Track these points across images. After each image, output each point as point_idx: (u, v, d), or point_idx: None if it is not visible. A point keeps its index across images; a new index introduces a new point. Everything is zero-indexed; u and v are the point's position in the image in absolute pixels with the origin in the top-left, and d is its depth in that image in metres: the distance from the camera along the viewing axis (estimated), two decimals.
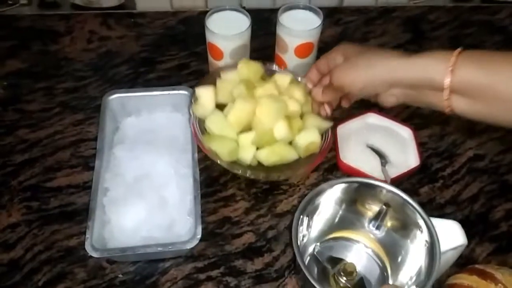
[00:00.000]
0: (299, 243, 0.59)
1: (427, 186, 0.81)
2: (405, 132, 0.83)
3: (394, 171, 0.77)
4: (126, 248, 0.64)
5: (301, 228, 0.63)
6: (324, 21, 0.82)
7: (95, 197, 0.68)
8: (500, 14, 1.11)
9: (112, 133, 0.80)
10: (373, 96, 0.65)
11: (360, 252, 0.70)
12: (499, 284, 0.59)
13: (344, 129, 0.83)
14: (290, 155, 0.73)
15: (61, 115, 0.88)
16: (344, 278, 0.63)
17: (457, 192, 0.80)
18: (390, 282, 0.66)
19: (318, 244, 0.70)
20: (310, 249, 0.69)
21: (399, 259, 0.66)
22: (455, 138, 0.87)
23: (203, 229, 0.67)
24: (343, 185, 0.65)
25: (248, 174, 0.71)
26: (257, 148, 0.72)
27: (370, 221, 0.68)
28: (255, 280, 0.70)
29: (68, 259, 0.71)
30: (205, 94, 0.74)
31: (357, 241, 0.70)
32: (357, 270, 0.64)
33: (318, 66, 0.70)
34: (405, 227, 0.65)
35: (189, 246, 0.64)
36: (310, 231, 0.68)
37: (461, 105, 0.58)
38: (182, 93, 0.82)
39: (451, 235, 0.60)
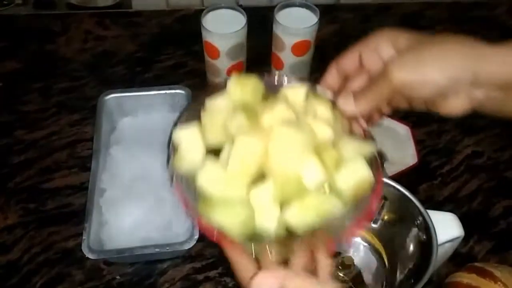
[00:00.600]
0: None
1: (426, 184, 0.80)
2: (403, 130, 0.82)
3: (392, 169, 0.77)
4: (123, 249, 0.64)
5: None
6: (320, 18, 0.82)
7: (91, 198, 0.68)
8: (498, 10, 1.11)
9: (109, 134, 0.80)
10: (435, 103, 0.48)
11: (357, 245, 0.70)
12: (498, 282, 0.59)
13: None
14: (332, 207, 0.47)
15: (57, 115, 0.88)
16: (342, 272, 0.63)
17: (456, 190, 0.80)
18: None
19: None
20: None
21: (397, 252, 0.66)
22: (453, 135, 0.87)
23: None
24: None
25: (279, 252, 0.48)
26: (281, 207, 0.47)
27: None
28: None
29: (65, 260, 0.71)
30: (188, 138, 0.50)
31: None
32: (354, 263, 0.64)
33: (340, 65, 0.52)
34: (402, 220, 0.65)
35: (187, 246, 0.64)
36: None
37: None
38: (178, 92, 0.81)
39: (448, 227, 0.60)
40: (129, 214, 0.69)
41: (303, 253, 0.46)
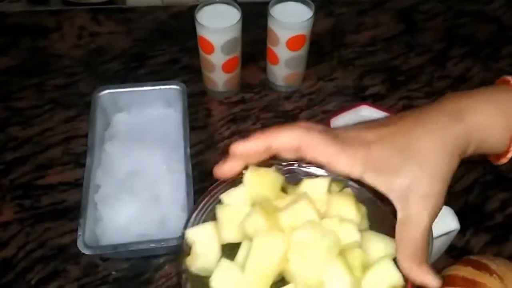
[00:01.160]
0: None
1: None
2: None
3: None
4: (119, 245, 0.64)
5: None
6: (316, 13, 0.82)
7: (86, 194, 0.68)
8: (493, 4, 1.11)
9: (103, 130, 0.79)
10: None
11: None
12: (494, 275, 0.59)
13: (337, 122, 0.82)
14: None
15: (51, 112, 0.87)
16: None
17: (452, 183, 0.80)
18: None
19: None
20: None
21: None
22: None
23: None
24: None
25: None
26: None
27: None
28: None
29: (61, 257, 0.70)
30: (203, 237, 0.48)
31: None
32: None
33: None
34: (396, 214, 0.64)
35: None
36: None
37: None
38: (173, 88, 0.81)
39: (444, 220, 0.60)
40: (124, 210, 0.69)
41: None
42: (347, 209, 0.46)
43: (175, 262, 0.59)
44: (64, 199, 0.76)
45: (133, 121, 0.81)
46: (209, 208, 0.50)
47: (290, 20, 0.80)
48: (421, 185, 0.41)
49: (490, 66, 0.98)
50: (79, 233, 0.63)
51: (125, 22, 1.04)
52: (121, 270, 0.69)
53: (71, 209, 0.75)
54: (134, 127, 0.80)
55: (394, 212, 0.44)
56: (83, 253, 0.62)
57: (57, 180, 0.78)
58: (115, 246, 0.64)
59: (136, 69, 0.95)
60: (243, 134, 0.85)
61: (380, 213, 0.49)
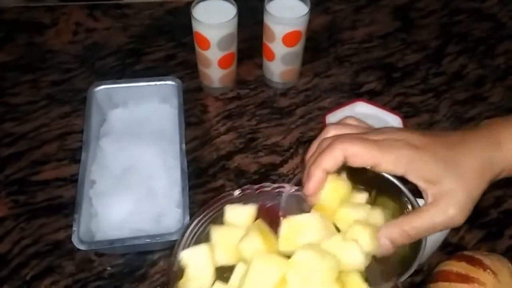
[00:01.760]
0: None
1: None
2: (394, 121, 0.82)
3: None
4: (114, 240, 0.64)
5: None
6: (312, 9, 0.82)
7: (81, 190, 0.67)
8: (489, 1, 1.11)
9: (99, 125, 0.79)
10: None
11: None
12: (488, 270, 0.59)
13: (333, 118, 0.82)
14: None
15: (47, 108, 0.87)
16: None
17: None
18: None
19: None
20: None
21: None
22: (444, 126, 0.87)
23: None
24: None
25: None
26: None
27: None
28: None
29: (56, 252, 0.70)
30: (198, 259, 0.48)
31: None
32: None
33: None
34: (389, 208, 0.64)
35: (177, 237, 0.64)
36: None
37: None
38: (169, 83, 0.81)
39: None
40: (119, 206, 0.69)
41: None
42: (360, 232, 0.46)
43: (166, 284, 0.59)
44: (59, 194, 0.76)
45: (128, 117, 0.81)
46: (201, 228, 0.51)
47: (286, 16, 0.80)
48: (456, 194, 0.45)
49: (486, 63, 0.98)
50: (74, 228, 0.63)
51: (121, 18, 1.03)
52: (116, 266, 0.69)
53: (66, 204, 0.74)
54: (130, 123, 0.80)
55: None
56: (78, 249, 0.62)
57: (52, 176, 0.78)
58: (110, 242, 0.64)
59: (132, 65, 0.95)
60: (240, 131, 0.85)
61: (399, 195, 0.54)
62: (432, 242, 0.63)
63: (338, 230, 0.49)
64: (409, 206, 0.61)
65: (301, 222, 0.47)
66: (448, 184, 0.45)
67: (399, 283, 0.47)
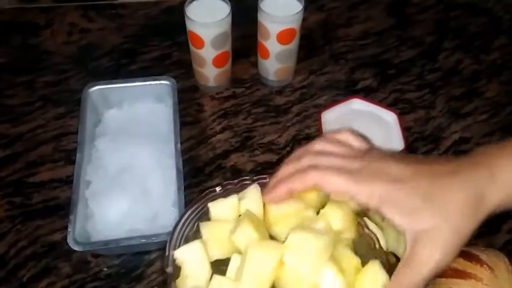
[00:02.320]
0: None
1: None
2: (390, 117, 0.82)
3: None
4: (109, 241, 0.63)
5: None
6: (307, 7, 0.81)
7: (77, 191, 0.67)
8: None
9: (94, 126, 0.79)
10: None
11: None
12: (484, 265, 0.59)
13: (328, 115, 0.82)
14: None
15: (42, 109, 0.87)
16: None
17: None
18: None
19: None
20: None
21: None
22: (440, 122, 0.87)
23: None
24: None
25: None
26: None
27: None
28: None
29: (52, 254, 0.70)
30: (193, 256, 0.49)
31: None
32: None
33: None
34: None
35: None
36: None
37: None
38: (164, 83, 0.81)
39: None
40: (115, 206, 0.69)
41: None
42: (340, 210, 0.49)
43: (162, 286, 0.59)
44: (55, 196, 0.76)
45: (123, 117, 0.81)
46: (188, 227, 0.52)
47: (280, 13, 0.79)
48: (441, 235, 0.41)
49: (482, 58, 0.98)
50: (69, 229, 0.63)
51: (115, 18, 1.03)
52: (113, 266, 0.69)
53: (62, 206, 0.74)
54: (125, 123, 0.80)
55: None
56: (74, 250, 0.62)
57: (48, 177, 0.78)
58: (106, 242, 0.63)
59: (127, 65, 0.94)
60: (236, 130, 0.85)
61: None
62: None
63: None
64: None
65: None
66: (428, 221, 0.41)
67: (389, 257, 0.48)
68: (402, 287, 0.42)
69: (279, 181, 0.49)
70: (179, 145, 0.72)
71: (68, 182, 0.76)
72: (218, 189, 0.54)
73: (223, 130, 0.85)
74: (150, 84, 0.81)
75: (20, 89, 0.90)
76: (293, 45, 0.85)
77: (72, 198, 0.67)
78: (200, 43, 0.80)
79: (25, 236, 0.72)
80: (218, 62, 0.84)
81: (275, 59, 0.86)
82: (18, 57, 0.95)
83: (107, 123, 0.80)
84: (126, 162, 0.73)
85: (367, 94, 0.91)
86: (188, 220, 0.53)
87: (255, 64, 0.93)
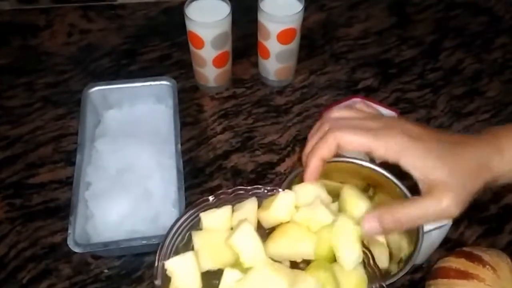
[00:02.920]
0: None
1: None
2: (391, 116, 0.82)
3: None
4: (110, 243, 0.63)
5: None
6: (307, 6, 0.81)
7: (77, 192, 0.67)
8: None
9: (94, 127, 0.79)
10: None
11: None
12: (487, 266, 0.59)
13: None
14: None
15: (42, 110, 0.87)
16: None
17: None
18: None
19: None
20: None
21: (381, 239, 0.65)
22: (442, 121, 0.87)
23: None
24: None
25: None
26: None
27: None
28: None
29: (52, 255, 0.70)
30: (184, 268, 0.47)
31: None
32: None
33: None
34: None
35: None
36: None
37: None
38: (164, 83, 0.80)
39: None
40: (115, 207, 0.69)
41: None
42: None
43: None
44: (55, 197, 0.76)
45: (123, 118, 0.81)
46: (179, 238, 0.51)
47: (281, 13, 0.79)
48: (450, 187, 0.44)
49: (483, 57, 0.98)
50: (69, 231, 0.63)
51: (115, 18, 1.03)
52: (113, 268, 0.69)
53: (62, 207, 0.74)
54: (125, 123, 0.80)
55: None
56: (75, 252, 0.62)
57: (48, 179, 0.78)
58: (106, 244, 0.63)
59: (127, 65, 0.94)
60: (236, 130, 0.84)
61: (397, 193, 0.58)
62: (430, 242, 0.62)
63: None
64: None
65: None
66: (441, 176, 0.45)
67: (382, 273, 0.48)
68: (405, 214, 0.45)
69: (308, 155, 0.50)
70: (179, 145, 0.72)
71: (68, 183, 0.76)
72: (211, 198, 0.53)
73: (223, 130, 0.85)
74: (150, 84, 0.81)
75: (20, 90, 0.90)
76: (294, 45, 0.84)
77: (72, 200, 0.66)
78: (200, 43, 0.80)
79: (25, 237, 0.72)
80: (218, 62, 0.84)
81: (276, 59, 0.86)
82: (18, 58, 0.95)
83: (107, 124, 0.80)
84: (126, 163, 0.73)
85: (368, 93, 0.90)
86: (179, 230, 0.52)
87: (256, 64, 0.92)
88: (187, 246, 0.51)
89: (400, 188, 0.61)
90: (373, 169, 0.63)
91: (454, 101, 0.90)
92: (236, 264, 0.47)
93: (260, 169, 0.80)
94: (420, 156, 0.45)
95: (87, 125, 0.75)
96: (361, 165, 0.63)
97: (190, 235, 0.51)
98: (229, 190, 0.53)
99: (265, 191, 0.53)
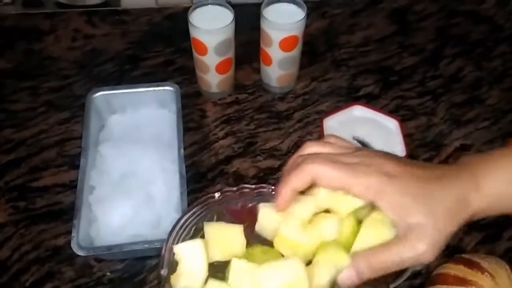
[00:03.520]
0: None
1: None
2: (392, 124, 0.82)
3: None
4: (113, 246, 0.64)
5: None
6: (309, 14, 0.82)
7: (80, 196, 0.68)
8: (486, 3, 1.11)
9: (98, 131, 0.79)
10: None
11: None
12: (486, 273, 0.59)
13: (331, 121, 0.83)
14: None
15: (46, 114, 0.87)
16: None
17: None
18: None
19: None
20: None
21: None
22: (442, 129, 0.88)
23: None
24: None
25: None
26: None
27: None
28: None
29: (55, 258, 0.71)
30: (192, 254, 0.48)
31: None
32: None
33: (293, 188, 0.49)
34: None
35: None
36: None
37: None
38: (167, 89, 0.81)
39: None
40: (118, 211, 0.69)
41: None
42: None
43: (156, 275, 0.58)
44: (58, 200, 0.76)
45: (127, 123, 0.81)
46: (184, 232, 0.52)
47: (283, 21, 0.80)
48: (427, 231, 0.43)
49: (483, 65, 0.99)
50: (73, 234, 0.64)
51: (119, 24, 1.04)
52: (116, 271, 0.70)
53: (65, 210, 0.75)
54: (128, 128, 0.80)
55: None
56: (78, 255, 0.62)
57: (51, 182, 0.78)
58: (109, 247, 0.64)
59: (131, 70, 0.95)
60: (238, 135, 0.85)
61: None
62: None
63: None
64: None
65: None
66: (417, 219, 0.43)
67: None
68: (380, 261, 0.44)
69: (281, 184, 0.49)
70: (182, 150, 0.73)
71: (72, 187, 0.77)
72: (217, 195, 0.54)
73: (226, 135, 0.85)
74: (154, 90, 0.81)
75: (24, 94, 0.90)
76: (296, 52, 0.85)
77: (76, 203, 0.67)
78: (203, 50, 0.81)
79: (28, 240, 0.72)
80: (221, 68, 0.85)
81: (278, 66, 0.87)
82: (22, 62, 0.96)
83: (111, 129, 0.81)
84: (129, 168, 0.74)
85: (369, 100, 0.91)
86: (186, 224, 0.53)
87: (258, 71, 0.93)
88: (194, 238, 0.52)
89: None
90: None
91: (454, 109, 0.91)
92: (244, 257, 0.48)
93: (261, 174, 0.80)
94: (397, 198, 0.44)
95: (91, 130, 0.76)
96: None
97: (196, 230, 0.52)
98: (234, 188, 0.55)
99: (270, 190, 0.54)
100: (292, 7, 0.83)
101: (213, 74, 0.85)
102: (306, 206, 0.49)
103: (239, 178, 0.79)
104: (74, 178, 0.76)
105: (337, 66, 0.97)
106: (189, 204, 0.67)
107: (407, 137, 0.83)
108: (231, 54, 0.85)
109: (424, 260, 0.44)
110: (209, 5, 0.82)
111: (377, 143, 0.80)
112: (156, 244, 0.64)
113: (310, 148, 0.51)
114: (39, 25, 1.03)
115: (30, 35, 1.01)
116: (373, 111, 0.84)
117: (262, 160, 0.82)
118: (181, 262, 0.48)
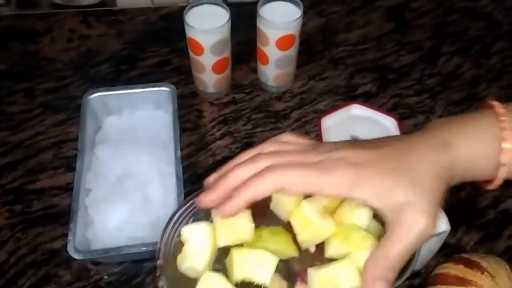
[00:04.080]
0: None
1: None
2: (390, 123, 0.82)
3: None
4: (110, 249, 0.63)
5: None
6: (306, 12, 0.82)
7: (76, 198, 0.67)
8: (483, 0, 1.11)
9: (94, 133, 0.79)
10: None
11: None
12: (485, 273, 0.59)
13: (328, 120, 0.82)
14: None
15: (42, 116, 0.87)
16: None
17: None
18: None
19: None
20: None
21: None
22: None
23: None
24: None
25: None
26: None
27: None
28: None
29: (52, 261, 0.70)
30: (199, 236, 0.46)
31: None
32: None
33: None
34: None
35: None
36: None
37: None
38: (164, 89, 0.81)
39: None
40: (115, 213, 0.69)
41: None
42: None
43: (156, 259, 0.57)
44: (55, 203, 0.76)
45: (123, 124, 0.81)
46: (184, 221, 0.50)
47: (279, 19, 0.79)
48: (417, 202, 0.40)
49: (481, 62, 0.98)
50: (69, 237, 0.63)
51: (115, 24, 1.03)
52: (113, 274, 0.69)
53: (62, 213, 0.74)
54: (125, 129, 0.80)
55: None
56: (75, 258, 0.62)
57: (48, 185, 0.78)
58: (106, 250, 0.63)
59: (127, 71, 0.94)
60: (236, 136, 0.85)
61: None
62: (429, 248, 0.63)
63: None
64: None
65: None
66: (404, 196, 0.41)
67: None
68: (390, 258, 0.41)
69: (235, 189, 0.44)
70: (179, 151, 0.72)
71: (68, 189, 0.76)
72: None
73: (223, 136, 0.85)
74: (150, 90, 0.81)
75: (19, 96, 0.90)
76: (293, 51, 0.85)
77: (72, 206, 0.66)
78: (199, 50, 0.80)
79: (25, 244, 0.72)
80: (217, 68, 0.84)
81: (275, 65, 0.86)
82: (18, 64, 0.95)
83: (107, 130, 0.80)
84: (126, 169, 0.73)
85: (367, 99, 0.91)
86: (183, 215, 0.52)
87: (255, 70, 0.93)
88: None
89: None
90: None
91: (452, 106, 0.90)
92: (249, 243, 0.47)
93: None
94: (376, 183, 0.41)
95: (87, 131, 0.76)
96: None
97: (195, 221, 0.50)
98: None
99: None
100: (288, 5, 0.82)
101: (209, 74, 0.85)
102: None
103: None
104: (71, 180, 0.75)
105: (335, 65, 0.97)
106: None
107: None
108: (227, 53, 0.84)
109: (428, 235, 0.40)
110: (205, 5, 0.81)
111: None
112: (153, 246, 0.63)
113: (270, 147, 0.47)
114: (34, 26, 1.02)
115: (25, 36, 1.00)
116: (371, 110, 0.83)
117: None
118: (187, 244, 0.47)
